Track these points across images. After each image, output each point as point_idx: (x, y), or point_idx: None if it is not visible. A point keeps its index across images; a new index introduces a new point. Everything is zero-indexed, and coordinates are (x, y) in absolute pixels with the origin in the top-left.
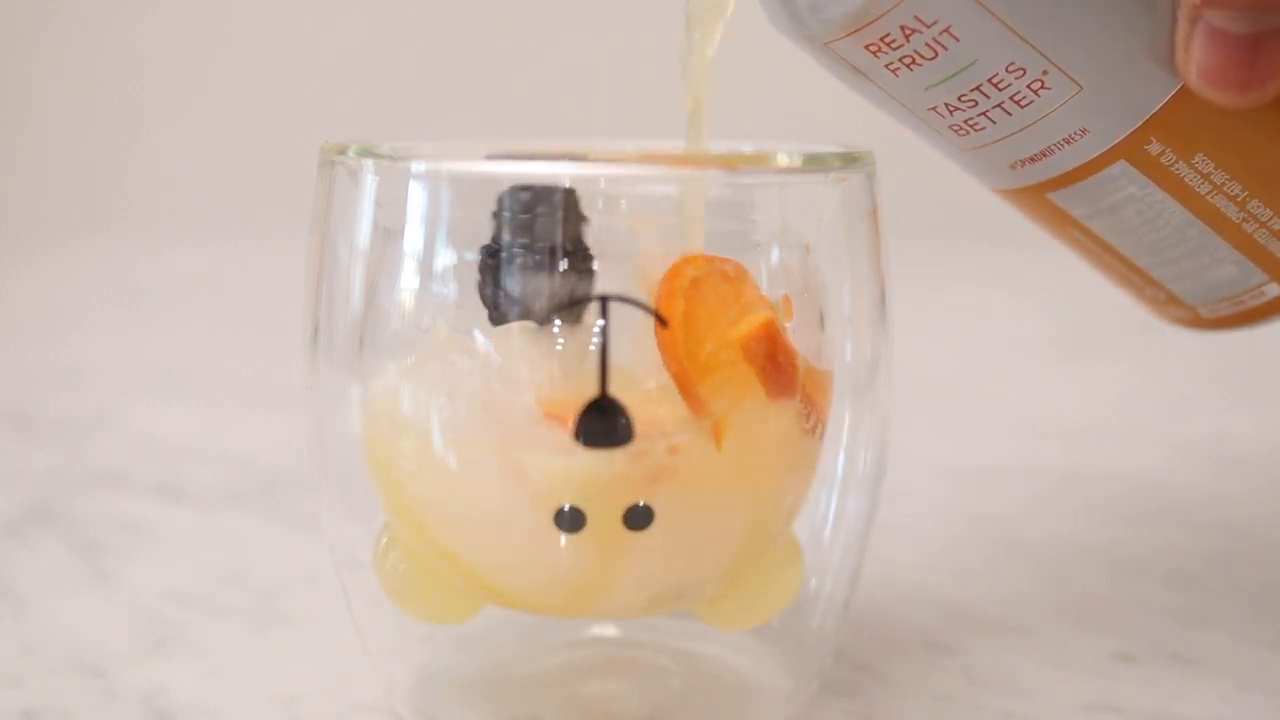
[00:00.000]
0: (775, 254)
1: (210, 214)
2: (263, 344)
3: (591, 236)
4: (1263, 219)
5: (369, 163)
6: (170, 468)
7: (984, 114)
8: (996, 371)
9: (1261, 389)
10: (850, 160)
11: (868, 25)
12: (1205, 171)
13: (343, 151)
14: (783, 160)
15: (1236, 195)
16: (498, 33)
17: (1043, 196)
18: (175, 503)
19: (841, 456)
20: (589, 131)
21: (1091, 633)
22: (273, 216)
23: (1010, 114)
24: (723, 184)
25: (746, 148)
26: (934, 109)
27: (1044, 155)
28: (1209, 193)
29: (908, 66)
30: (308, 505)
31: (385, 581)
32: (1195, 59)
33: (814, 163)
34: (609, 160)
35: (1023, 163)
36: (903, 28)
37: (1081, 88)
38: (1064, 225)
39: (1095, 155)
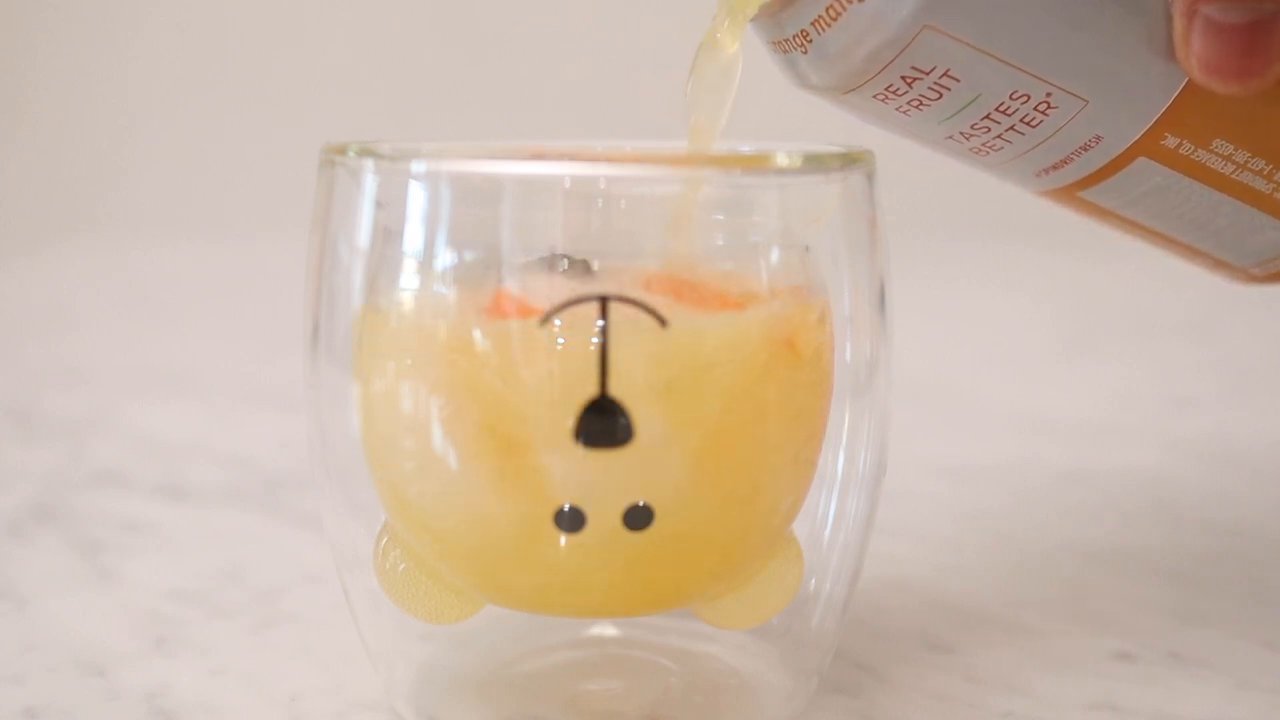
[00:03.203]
0: (775, 254)
1: (210, 214)
2: (263, 343)
3: (591, 236)
4: None
5: (369, 163)
6: (171, 467)
7: (998, 137)
8: (996, 370)
9: (1261, 388)
10: (850, 160)
11: (869, 80)
12: (1226, 154)
13: (343, 152)
14: (783, 160)
15: (1261, 169)
16: (498, 33)
17: (1074, 195)
18: (176, 502)
19: (841, 456)
20: (589, 131)
21: (1091, 632)
22: (273, 216)
23: (1023, 134)
24: (722, 184)
25: (746, 148)
26: (950, 138)
27: (1065, 163)
28: (1234, 172)
29: (916, 108)
30: (308, 504)
31: (385, 581)
32: (1195, 53)
33: (814, 163)
34: (609, 160)
35: (1046, 171)
36: (903, 78)
37: (1087, 101)
38: (1102, 215)
39: (1114, 157)
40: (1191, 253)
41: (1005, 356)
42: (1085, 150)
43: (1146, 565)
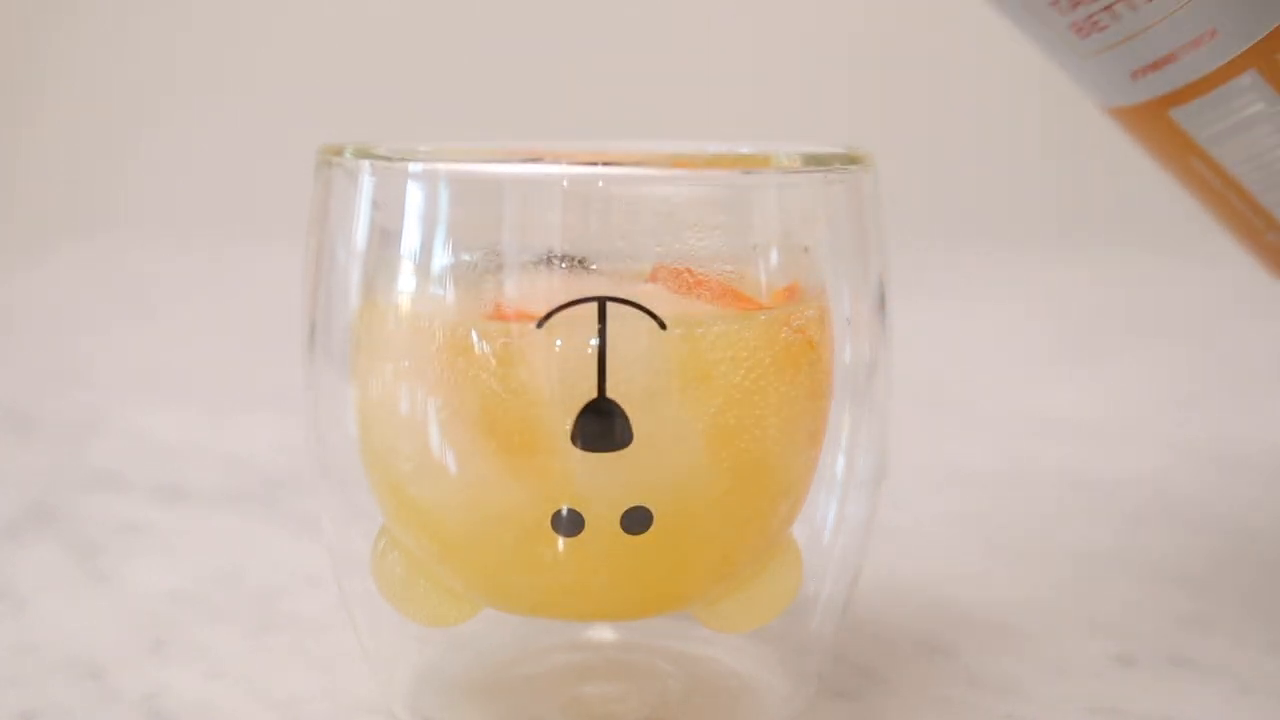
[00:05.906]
0: (774, 255)
1: (210, 214)
2: (262, 344)
3: (590, 237)
4: None
5: (366, 164)
6: (170, 468)
7: (1106, 9)
8: (996, 373)
9: (1261, 389)
10: (850, 160)
11: None
12: None
13: (340, 152)
14: (783, 160)
15: None
16: (497, 33)
17: (1164, 115)
18: (175, 503)
19: (841, 459)
20: (588, 132)
21: (1092, 635)
22: (272, 217)
23: (1135, 8)
24: (722, 185)
25: (746, 148)
26: (1055, 4)
27: (1168, 60)
28: None
29: None
30: (307, 506)
31: (382, 584)
32: None
33: (814, 163)
34: (608, 160)
35: (1145, 70)
36: None
37: None
38: (1183, 152)
39: (1223, 63)
40: (1265, 224)
41: (1005, 358)
42: (1194, 46)
43: (1147, 568)
